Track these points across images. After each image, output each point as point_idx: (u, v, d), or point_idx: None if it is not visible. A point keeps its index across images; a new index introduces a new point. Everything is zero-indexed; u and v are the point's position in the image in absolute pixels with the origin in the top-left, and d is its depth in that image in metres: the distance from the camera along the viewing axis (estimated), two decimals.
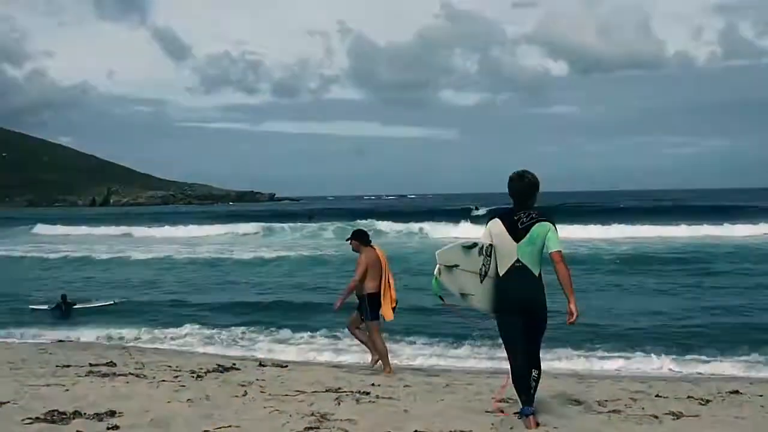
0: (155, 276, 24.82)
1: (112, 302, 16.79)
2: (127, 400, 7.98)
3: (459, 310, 6.69)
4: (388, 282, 9.95)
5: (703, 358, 11.69)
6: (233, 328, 14.69)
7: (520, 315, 6.12)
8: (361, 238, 10.16)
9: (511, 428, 6.58)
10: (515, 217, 6.12)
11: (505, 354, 6.63)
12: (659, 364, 11.39)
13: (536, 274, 6.11)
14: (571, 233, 31.35)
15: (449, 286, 6.33)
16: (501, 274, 6.14)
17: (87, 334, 14.59)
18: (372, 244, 10.17)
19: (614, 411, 7.64)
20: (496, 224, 6.17)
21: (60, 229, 50.94)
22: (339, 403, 7.89)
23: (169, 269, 27.08)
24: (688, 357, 11.76)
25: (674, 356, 11.72)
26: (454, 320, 11.80)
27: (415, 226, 41.30)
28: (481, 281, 6.24)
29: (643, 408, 7.81)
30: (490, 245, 6.17)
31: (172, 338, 14.18)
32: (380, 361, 10.37)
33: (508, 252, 6.08)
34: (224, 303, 18.08)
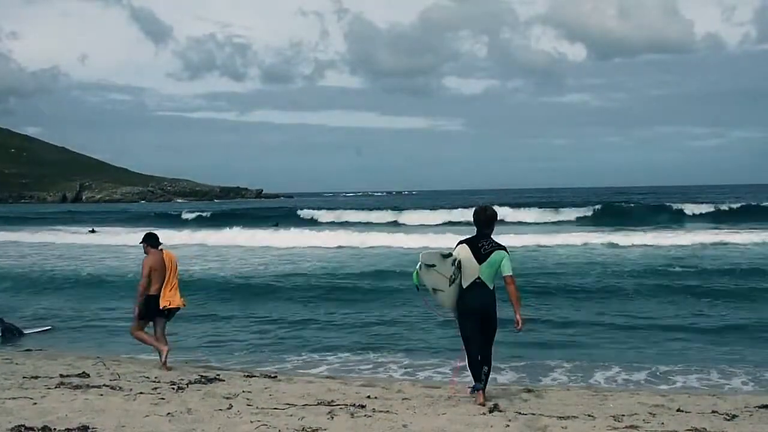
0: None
1: (49, 327, 16.31)
2: (102, 414, 8.01)
3: (429, 302, 8.61)
4: (171, 284, 11.16)
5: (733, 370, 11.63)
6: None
7: (477, 318, 8.19)
8: (148, 241, 11.34)
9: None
10: (479, 244, 8.15)
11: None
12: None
13: (491, 288, 8.18)
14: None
15: (425, 281, 8.28)
16: (464, 287, 8.14)
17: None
18: (161, 247, 11.36)
19: (631, 426, 7.68)
20: (464, 248, 8.18)
21: None
22: (332, 417, 7.92)
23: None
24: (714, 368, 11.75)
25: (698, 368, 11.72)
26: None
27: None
28: (449, 285, 8.14)
29: (662, 423, 7.85)
30: (460, 261, 8.10)
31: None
32: (162, 354, 11.21)
33: (472, 271, 8.09)
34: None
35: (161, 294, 11.12)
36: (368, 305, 17.92)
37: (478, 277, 8.07)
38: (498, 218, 8.47)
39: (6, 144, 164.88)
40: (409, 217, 53.55)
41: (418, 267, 8.29)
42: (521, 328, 8.32)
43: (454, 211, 52.46)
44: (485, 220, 8.21)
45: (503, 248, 8.18)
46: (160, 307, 11.14)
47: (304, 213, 58.57)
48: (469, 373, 8.69)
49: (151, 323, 11.36)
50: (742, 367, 11.59)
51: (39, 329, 15.89)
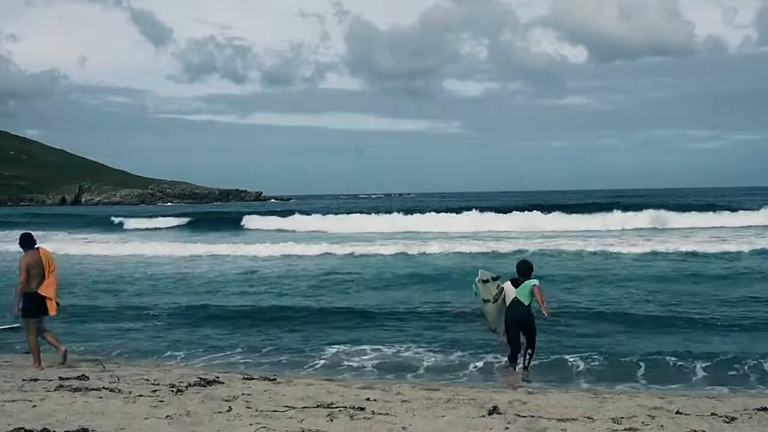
0: None
1: (18, 324, 16.05)
2: (101, 416, 8.01)
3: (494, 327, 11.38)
4: (52, 281, 11.63)
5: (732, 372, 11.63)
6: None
7: (517, 326, 10.80)
8: (21, 242, 11.83)
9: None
10: (518, 282, 10.91)
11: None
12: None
13: (526, 304, 10.76)
14: None
15: (481, 293, 11.09)
16: (507, 305, 10.83)
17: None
18: (37, 246, 11.79)
19: (630, 429, 7.69)
20: (508, 284, 10.94)
21: None
22: (331, 420, 7.93)
23: None
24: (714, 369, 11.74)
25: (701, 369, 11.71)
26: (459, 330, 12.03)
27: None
28: (492, 302, 10.97)
29: (662, 426, 7.86)
30: (503, 289, 10.96)
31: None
32: (61, 353, 11.74)
33: (511, 293, 10.83)
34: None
35: (46, 295, 11.57)
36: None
37: (516, 297, 10.70)
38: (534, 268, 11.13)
39: (5, 146, 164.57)
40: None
41: (477, 281, 11.13)
42: (547, 316, 10.91)
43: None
44: (525, 271, 10.91)
45: (532, 279, 10.84)
46: (51, 314, 11.71)
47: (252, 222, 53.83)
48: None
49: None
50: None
51: (7, 326, 15.74)
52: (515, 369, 10.93)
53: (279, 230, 47.75)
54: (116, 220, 60.53)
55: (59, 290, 12.07)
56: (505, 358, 11.25)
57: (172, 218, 60.62)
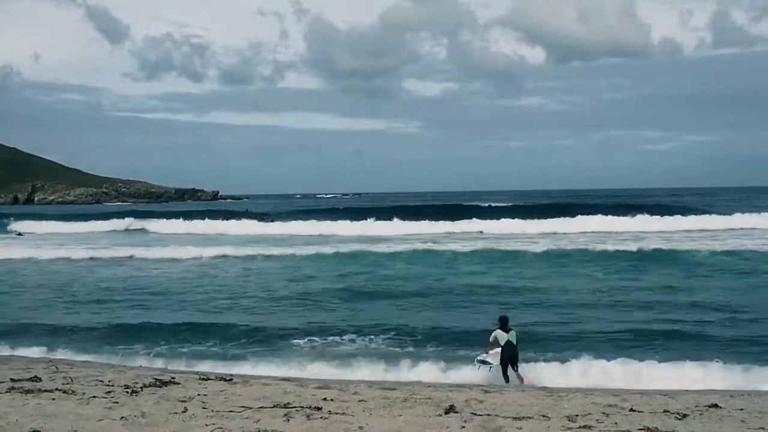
0: None
1: None
2: (54, 418, 7.88)
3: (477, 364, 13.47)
4: None
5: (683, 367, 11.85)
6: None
7: (508, 358, 13.05)
8: None
9: None
10: (505, 329, 13.32)
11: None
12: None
13: (514, 344, 13.15)
14: None
15: (477, 361, 13.41)
16: (502, 345, 13.10)
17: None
18: None
19: (585, 426, 7.75)
20: (500, 331, 13.25)
21: None
22: (288, 420, 7.89)
23: None
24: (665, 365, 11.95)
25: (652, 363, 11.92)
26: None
27: None
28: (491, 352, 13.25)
29: (615, 423, 7.94)
30: (496, 335, 13.28)
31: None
32: None
33: (503, 337, 13.16)
34: None
35: None
36: None
37: (508, 340, 13.14)
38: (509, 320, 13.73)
39: None
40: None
41: (477, 360, 13.41)
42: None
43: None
44: (506, 320, 13.45)
45: (512, 329, 13.48)
46: None
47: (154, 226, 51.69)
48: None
49: None
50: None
51: None
52: (508, 381, 13.09)
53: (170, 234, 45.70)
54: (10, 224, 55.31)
55: None
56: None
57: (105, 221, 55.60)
